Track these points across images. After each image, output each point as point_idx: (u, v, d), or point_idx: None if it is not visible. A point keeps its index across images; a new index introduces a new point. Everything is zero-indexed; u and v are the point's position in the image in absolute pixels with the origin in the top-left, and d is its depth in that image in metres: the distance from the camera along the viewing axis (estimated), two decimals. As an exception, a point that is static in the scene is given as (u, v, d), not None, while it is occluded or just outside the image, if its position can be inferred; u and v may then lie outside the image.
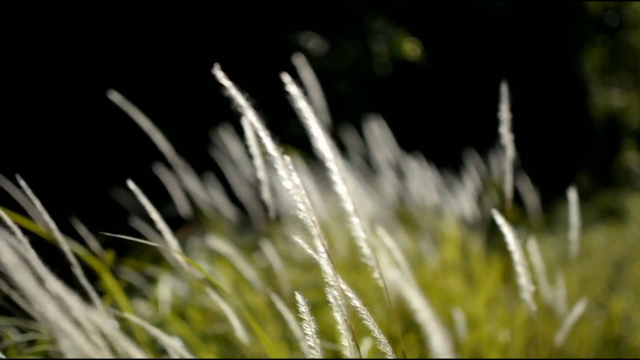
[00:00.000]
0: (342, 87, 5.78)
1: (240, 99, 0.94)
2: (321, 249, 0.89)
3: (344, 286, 0.89)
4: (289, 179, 0.89)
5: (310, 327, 0.86)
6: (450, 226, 2.77)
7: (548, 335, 1.99)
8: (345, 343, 0.89)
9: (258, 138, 1.29)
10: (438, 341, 0.67)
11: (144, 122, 1.94)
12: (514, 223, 1.22)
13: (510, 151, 1.31)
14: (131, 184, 1.21)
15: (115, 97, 1.89)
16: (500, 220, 1.17)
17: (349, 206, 0.92)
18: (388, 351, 0.87)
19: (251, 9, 5.65)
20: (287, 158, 0.91)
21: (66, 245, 1.14)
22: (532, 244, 1.52)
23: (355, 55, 6.21)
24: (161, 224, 1.22)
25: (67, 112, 4.85)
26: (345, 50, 6.15)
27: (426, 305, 0.69)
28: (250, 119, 1.11)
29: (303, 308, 0.86)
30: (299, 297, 0.87)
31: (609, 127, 8.82)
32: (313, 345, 0.86)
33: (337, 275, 0.89)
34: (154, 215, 1.21)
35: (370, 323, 0.88)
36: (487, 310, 2.19)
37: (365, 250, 0.94)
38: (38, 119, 4.76)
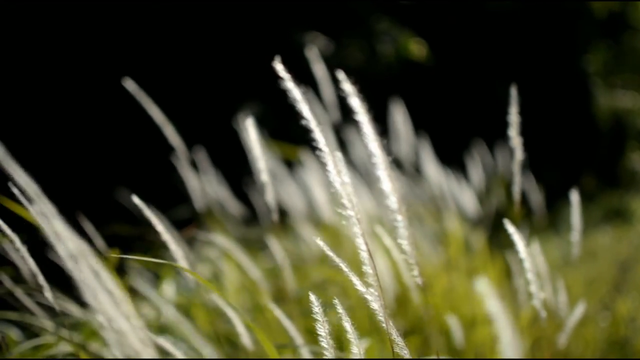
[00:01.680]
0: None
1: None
2: (363, 247, 0.89)
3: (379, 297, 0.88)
4: (339, 177, 0.89)
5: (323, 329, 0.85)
6: (454, 223, 2.77)
7: (553, 337, 1.98)
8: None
9: (263, 139, 1.30)
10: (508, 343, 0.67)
11: (156, 114, 1.93)
12: (519, 223, 1.21)
13: (518, 153, 1.30)
14: (135, 199, 1.20)
15: (129, 85, 1.88)
16: (511, 229, 1.16)
17: (393, 204, 0.93)
18: (405, 354, 0.87)
19: (257, 9, 5.66)
20: (338, 155, 0.91)
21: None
22: (536, 246, 1.52)
23: (361, 56, 6.21)
24: (166, 236, 1.20)
25: (76, 108, 4.87)
26: (351, 51, 6.15)
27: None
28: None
29: (316, 309, 0.85)
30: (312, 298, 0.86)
31: (614, 129, 8.80)
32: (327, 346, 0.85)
33: (376, 275, 0.89)
34: (159, 227, 1.20)
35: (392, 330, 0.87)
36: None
37: (408, 250, 0.95)
38: (46, 115, 4.77)
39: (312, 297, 0.86)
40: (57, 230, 0.64)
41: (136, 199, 1.21)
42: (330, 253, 0.90)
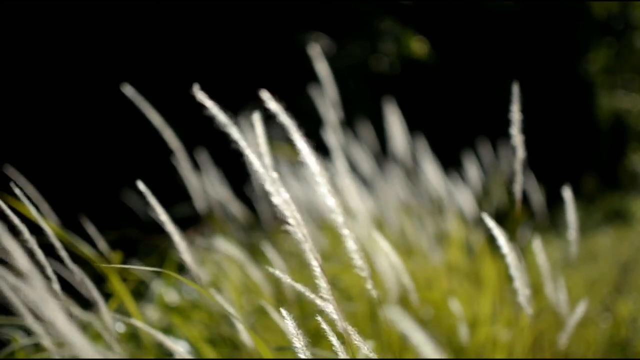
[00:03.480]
0: (351, 86, 5.79)
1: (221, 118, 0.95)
2: (314, 262, 0.89)
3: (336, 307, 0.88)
4: (278, 195, 0.89)
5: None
6: (454, 222, 2.77)
7: (554, 338, 1.98)
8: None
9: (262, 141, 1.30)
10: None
11: (155, 118, 1.94)
12: (519, 223, 1.22)
13: (520, 152, 1.30)
14: (141, 185, 1.21)
15: (128, 91, 1.89)
16: (491, 224, 1.16)
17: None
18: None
19: (260, 10, 5.67)
20: (275, 175, 0.91)
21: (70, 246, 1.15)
22: (537, 244, 1.52)
23: (363, 55, 6.22)
24: (170, 226, 1.21)
25: (80, 110, 4.87)
26: (353, 50, 6.16)
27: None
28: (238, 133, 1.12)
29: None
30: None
31: (614, 130, 8.80)
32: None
33: (330, 290, 0.89)
34: (163, 217, 1.21)
35: (361, 343, 0.88)
36: (491, 310, 2.19)
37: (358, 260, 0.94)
38: (51, 118, 4.78)
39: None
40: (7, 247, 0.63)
41: (142, 186, 1.21)
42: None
